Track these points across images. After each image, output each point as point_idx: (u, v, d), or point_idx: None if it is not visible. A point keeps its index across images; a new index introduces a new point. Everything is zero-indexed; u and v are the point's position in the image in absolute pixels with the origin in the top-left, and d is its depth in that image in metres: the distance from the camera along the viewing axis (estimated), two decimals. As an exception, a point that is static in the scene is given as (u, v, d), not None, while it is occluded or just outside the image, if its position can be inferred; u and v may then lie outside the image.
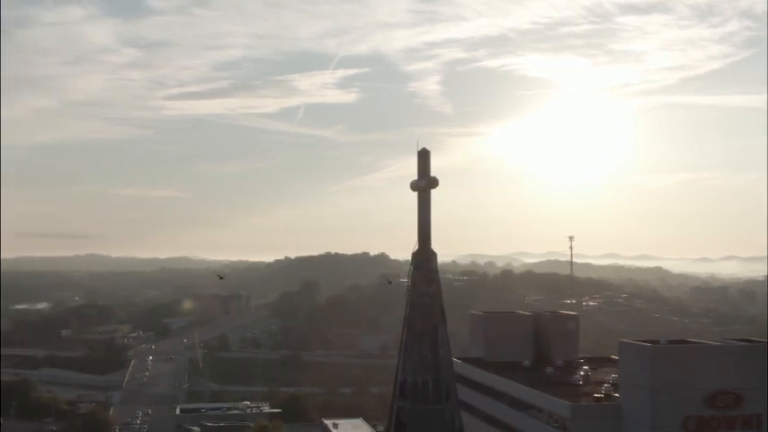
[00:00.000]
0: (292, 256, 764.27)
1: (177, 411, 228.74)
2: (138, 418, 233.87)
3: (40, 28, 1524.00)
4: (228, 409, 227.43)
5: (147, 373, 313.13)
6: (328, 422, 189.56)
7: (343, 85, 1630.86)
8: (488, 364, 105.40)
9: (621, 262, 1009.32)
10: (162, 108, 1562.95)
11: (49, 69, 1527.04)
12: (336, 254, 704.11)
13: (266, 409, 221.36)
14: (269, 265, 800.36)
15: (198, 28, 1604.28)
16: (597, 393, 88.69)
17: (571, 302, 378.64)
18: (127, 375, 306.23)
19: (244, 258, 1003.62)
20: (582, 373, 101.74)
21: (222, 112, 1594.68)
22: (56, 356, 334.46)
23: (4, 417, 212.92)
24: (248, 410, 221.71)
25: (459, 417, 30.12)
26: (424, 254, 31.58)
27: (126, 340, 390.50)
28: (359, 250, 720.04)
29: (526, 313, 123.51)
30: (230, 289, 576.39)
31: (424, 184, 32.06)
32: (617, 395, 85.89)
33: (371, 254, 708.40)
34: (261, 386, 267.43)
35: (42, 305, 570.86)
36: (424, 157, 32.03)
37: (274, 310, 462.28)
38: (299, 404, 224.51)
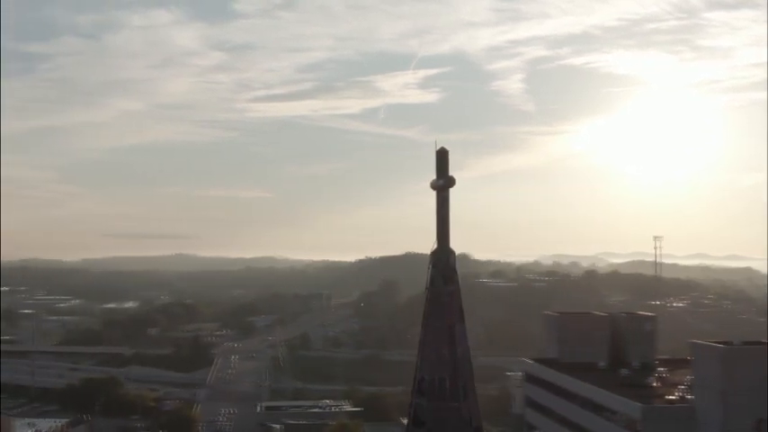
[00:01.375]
0: (374, 255, 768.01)
1: (260, 409, 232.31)
2: (222, 415, 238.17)
3: (129, 32, 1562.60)
4: (310, 407, 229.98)
5: (231, 371, 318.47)
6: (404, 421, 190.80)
7: (425, 85, 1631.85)
8: (563, 365, 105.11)
9: (709, 262, 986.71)
10: (247, 110, 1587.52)
11: (138, 73, 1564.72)
12: (417, 254, 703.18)
13: (347, 407, 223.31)
14: (351, 264, 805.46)
15: (282, 30, 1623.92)
16: (671, 395, 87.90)
17: (657, 303, 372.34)
18: (212, 373, 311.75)
19: (326, 258, 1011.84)
20: (658, 374, 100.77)
21: (306, 113, 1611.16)
22: (143, 354, 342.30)
23: (90, 413, 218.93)
24: (329, 409, 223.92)
25: (477, 415, 30.42)
26: (443, 252, 32.20)
27: (211, 338, 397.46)
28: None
29: (602, 314, 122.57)
30: (312, 288, 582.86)
31: (443, 183, 32.69)
32: (690, 397, 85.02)
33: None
34: (341, 385, 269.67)
35: (131, 304, 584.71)
36: (442, 156, 32.67)
37: (355, 310, 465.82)
38: (378, 403, 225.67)
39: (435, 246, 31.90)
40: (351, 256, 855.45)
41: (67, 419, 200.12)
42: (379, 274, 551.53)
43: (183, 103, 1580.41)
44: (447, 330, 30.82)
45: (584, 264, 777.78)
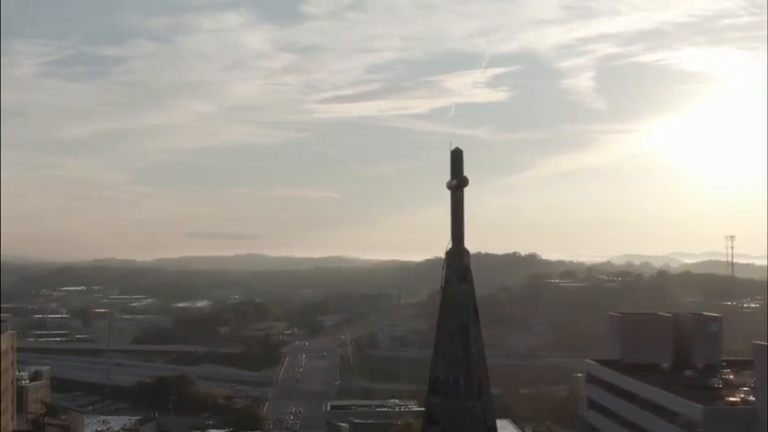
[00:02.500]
0: (441, 255, 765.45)
1: (327, 408, 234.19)
2: (289, 413, 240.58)
3: (200, 35, 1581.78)
4: (376, 406, 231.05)
5: (300, 370, 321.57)
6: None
7: (494, 83, 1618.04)
8: (626, 366, 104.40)
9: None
10: (315, 111, 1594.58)
11: (209, 75, 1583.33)
12: (485, 254, 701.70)
13: (413, 407, 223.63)
14: (418, 264, 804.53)
15: (350, 31, 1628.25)
16: (733, 397, 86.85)
17: (730, 304, 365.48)
18: (280, 372, 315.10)
19: (394, 258, 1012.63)
20: (722, 376, 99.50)
21: (374, 113, 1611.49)
22: (214, 353, 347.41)
23: (162, 411, 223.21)
24: (395, 408, 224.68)
25: (491, 414, 30.88)
26: (457, 252, 32.47)
27: (280, 337, 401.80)
28: (509, 250, 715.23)
29: (666, 314, 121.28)
30: (380, 288, 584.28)
31: (457, 183, 33.15)
32: (752, 399, 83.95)
33: (521, 254, 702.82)
34: (408, 384, 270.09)
35: (203, 303, 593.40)
36: (456, 156, 33.17)
37: (423, 309, 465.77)
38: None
39: (450, 245, 32.35)
40: (418, 256, 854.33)
41: (138, 417, 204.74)
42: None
43: (252, 104, 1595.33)
44: (461, 330, 31.26)
45: (657, 264, 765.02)
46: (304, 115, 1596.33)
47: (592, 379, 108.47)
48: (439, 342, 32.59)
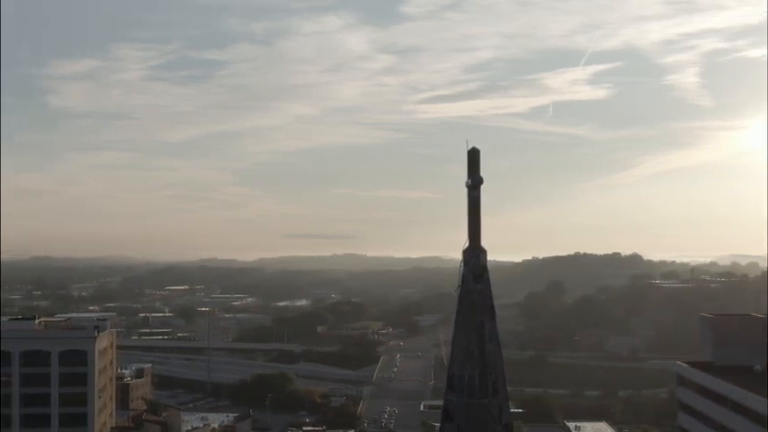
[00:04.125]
0: (540, 255, 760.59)
1: (422, 407, 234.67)
2: (385, 412, 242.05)
3: (301, 38, 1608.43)
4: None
5: (395, 369, 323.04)
6: (571, 424, 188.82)
7: (595, 81, 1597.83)
8: (717, 369, 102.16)
9: None
10: (414, 112, 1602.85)
11: (309, 78, 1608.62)
12: (586, 254, 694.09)
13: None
14: (517, 264, 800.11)
15: (449, 31, 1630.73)
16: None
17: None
18: (377, 371, 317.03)
19: (493, 258, 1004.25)
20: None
21: (472, 113, 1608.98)
22: (312, 351, 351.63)
23: (260, 408, 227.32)
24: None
25: (507, 411, 30.99)
26: (474, 251, 32.85)
27: (377, 336, 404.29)
28: (610, 250, 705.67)
29: (760, 316, 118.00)
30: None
31: (473, 182, 33.46)
32: None
33: (623, 254, 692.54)
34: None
35: (302, 302, 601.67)
36: (474, 155, 33.45)
37: (521, 310, 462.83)
38: (542, 405, 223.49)
39: (467, 244, 32.99)
40: (517, 257, 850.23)
41: (235, 414, 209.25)
42: (546, 275, 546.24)
43: (352, 106, 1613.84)
44: (476, 328, 31.91)
45: (764, 264, 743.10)
46: (403, 116, 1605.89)
47: (683, 381, 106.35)
48: (455, 340, 33.20)
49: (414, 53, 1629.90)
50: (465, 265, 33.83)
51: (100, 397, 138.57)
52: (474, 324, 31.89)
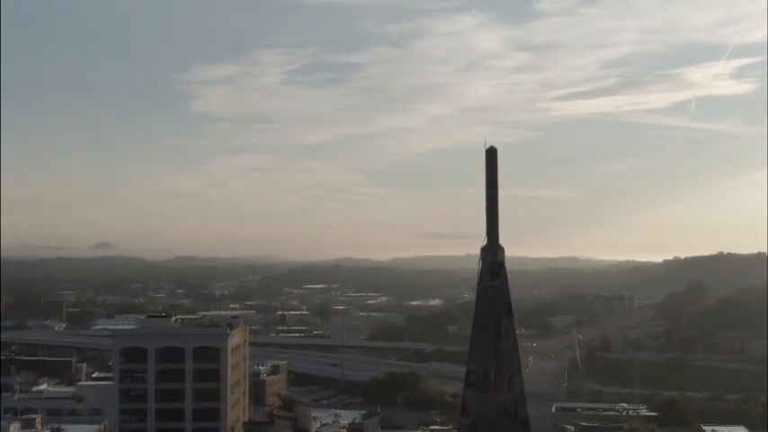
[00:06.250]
0: (682, 255, 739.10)
1: (553, 409, 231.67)
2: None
3: (435, 38, 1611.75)
4: (604, 409, 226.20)
5: (527, 371, 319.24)
6: (708, 428, 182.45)
7: (738, 75, 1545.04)
8: None
9: None
10: (550, 109, 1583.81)
11: (443, 78, 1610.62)
12: (730, 254, 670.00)
13: (643, 411, 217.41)
14: (657, 265, 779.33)
15: (585, 27, 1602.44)
16: None
17: None
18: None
19: (631, 258, 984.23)
20: None
21: (610, 109, 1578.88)
22: (443, 351, 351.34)
23: (392, 407, 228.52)
24: (624, 412, 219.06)
25: (523, 407, 30.54)
26: (491, 248, 32.27)
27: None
28: (755, 250, 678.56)
29: None
30: (616, 289, 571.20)
31: (491, 180, 32.82)
32: None
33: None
34: (640, 388, 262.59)
35: (435, 302, 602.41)
36: (491, 155, 32.74)
37: (659, 312, 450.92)
38: (677, 408, 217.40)
39: (485, 242, 32.64)
40: (658, 257, 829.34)
41: (363, 411, 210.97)
42: (688, 275, 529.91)
43: (486, 105, 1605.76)
44: (493, 325, 31.53)
45: None
46: (538, 114, 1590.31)
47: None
48: (472, 337, 32.81)
49: (549, 50, 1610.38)
50: (482, 262, 33.66)
51: (233, 393, 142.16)
52: (491, 321, 31.77)
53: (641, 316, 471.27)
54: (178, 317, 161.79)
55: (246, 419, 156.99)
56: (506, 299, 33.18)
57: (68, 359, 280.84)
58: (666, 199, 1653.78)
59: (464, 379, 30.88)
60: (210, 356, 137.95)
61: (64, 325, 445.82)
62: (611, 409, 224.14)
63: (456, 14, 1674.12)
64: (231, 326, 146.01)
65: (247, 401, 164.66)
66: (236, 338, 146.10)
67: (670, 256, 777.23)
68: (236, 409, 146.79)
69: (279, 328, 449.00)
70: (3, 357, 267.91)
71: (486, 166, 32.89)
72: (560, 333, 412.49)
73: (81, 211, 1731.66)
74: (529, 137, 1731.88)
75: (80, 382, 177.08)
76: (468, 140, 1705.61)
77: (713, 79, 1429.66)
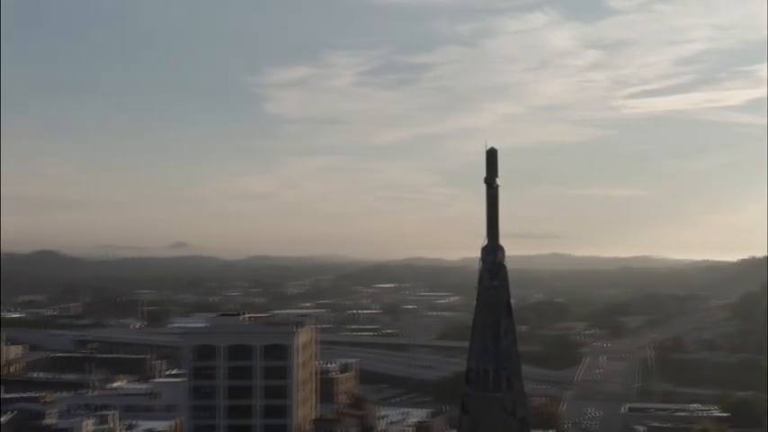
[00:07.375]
0: (758, 255, 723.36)
1: (624, 410, 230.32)
2: (587, 415, 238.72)
3: (506, 37, 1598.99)
4: (676, 410, 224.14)
5: (599, 371, 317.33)
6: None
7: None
8: None
9: None
10: (623, 107, 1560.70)
11: (515, 76, 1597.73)
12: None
13: (715, 412, 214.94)
14: (733, 264, 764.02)
15: (659, 24, 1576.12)
16: None
17: None
18: (579, 372, 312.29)
19: (707, 257, 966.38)
20: None
21: (684, 107, 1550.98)
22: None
23: (458, 406, 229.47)
24: (695, 413, 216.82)
25: (523, 406, 31.46)
26: (491, 248, 33.29)
27: (581, 337, 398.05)
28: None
29: None
30: (690, 289, 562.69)
31: (490, 181, 33.97)
32: None
33: None
34: (713, 389, 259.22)
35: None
36: (491, 155, 33.96)
37: (734, 312, 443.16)
38: (749, 409, 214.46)
39: (485, 241, 33.51)
40: (734, 256, 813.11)
41: (431, 410, 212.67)
42: (764, 275, 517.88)
43: (558, 103, 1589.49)
44: (492, 324, 32.64)
45: None
46: (611, 112, 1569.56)
47: None
48: (472, 335, 33.66)
49: (622, 47, 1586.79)
50: (483, 262, 34.83)
51: (302, 390, 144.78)
52: (490, 320, 33.02)
53: (715, 316, 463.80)
54: (248, 315, 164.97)
55: (315, 417, 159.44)
56: (506, 298, 34.41)
57: (144, 357, 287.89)
58: (742, 197, 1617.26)
59: (465, 377, 32.14)
60: (278, 354, 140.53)
61: (141, 323, 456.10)
62: (683, 410, 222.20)
63: (527, 13, 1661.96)
64: (299, 324, 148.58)
65: (317, 399, 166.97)
66: (304, 336, 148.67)
67: (746, 256, 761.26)
68: (305, 406, 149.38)
69: (350, 326, 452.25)
70: (80, 355, 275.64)
71: (487, 167, 34.35)
72: (633, 333, 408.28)
73: (158, 211, 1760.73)
74: (602, 135, 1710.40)
75: (154, 380, 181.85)
76: (540, 139, 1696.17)
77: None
